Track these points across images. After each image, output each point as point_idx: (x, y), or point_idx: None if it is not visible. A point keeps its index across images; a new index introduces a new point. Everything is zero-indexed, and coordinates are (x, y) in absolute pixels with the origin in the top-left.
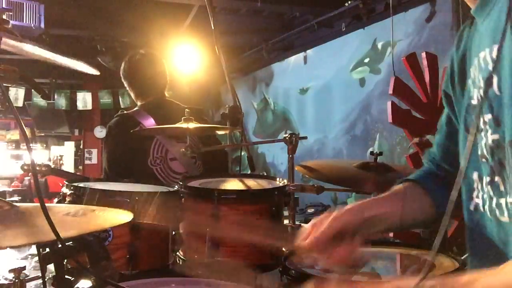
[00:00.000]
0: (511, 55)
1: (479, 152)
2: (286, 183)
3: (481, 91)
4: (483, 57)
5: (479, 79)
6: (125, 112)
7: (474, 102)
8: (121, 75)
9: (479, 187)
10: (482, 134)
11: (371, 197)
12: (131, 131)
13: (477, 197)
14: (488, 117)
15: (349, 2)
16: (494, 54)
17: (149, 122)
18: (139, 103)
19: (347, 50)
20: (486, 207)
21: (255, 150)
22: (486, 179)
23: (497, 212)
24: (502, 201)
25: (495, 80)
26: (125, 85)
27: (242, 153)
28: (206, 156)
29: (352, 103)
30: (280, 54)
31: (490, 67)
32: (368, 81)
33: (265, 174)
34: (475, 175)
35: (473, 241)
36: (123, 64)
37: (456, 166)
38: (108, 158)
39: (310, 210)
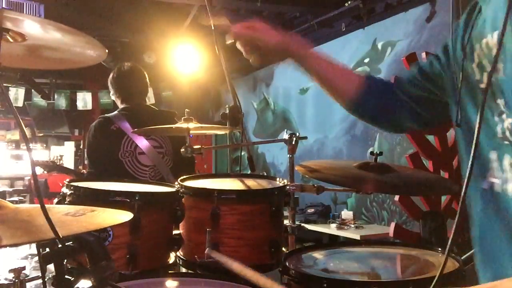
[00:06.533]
0: (510, 45)
1: (500, 135)
2: (286, 183)
3: (492, 75)
4: (485, 43)
5: (485, 64)
6: (106, 115)
7: (483, 85)
8: (109, 83)
9: (497, 167)
10: (504, 116)
11: (371, 197)
12: (133, 130)
13: (495, 176)
14: (501, 101)
15: (349, 2)
16: (495, 41)
17: (125, 125)
18: (119, 107)
19: (347, 50)
20: (506, 188)
21: (255, 150)
22: (510, 160)
23: None
24: None
25: (501, 65)
26: (111, 91)
27: (242, 153)
28: (175, 155)
29: None
30: None
31: (493, 52)
32: None
33: (265, 174)
34: (493, 155)
35: (483, 221)
36: (111, 74)
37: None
38: (87, 150)
39: (310, 210)
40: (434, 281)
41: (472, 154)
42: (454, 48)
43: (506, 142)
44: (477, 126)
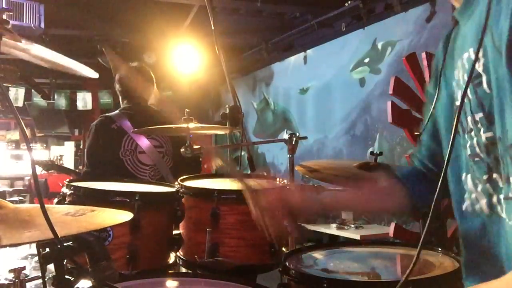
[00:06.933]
0: (492, 56)
1: (469, 152)
2: (286, 183)
3: (468, 91)
4: (466, 58)
5: (464, 80)
6: (107, 114)
7: (458, 103)
8: (115, 81)
9: (471, 187)
10: (472, 133)
11: None
12: (133, 129)
13: (470, 198)
14: (479, 115)
15: (349, 2)
16: (480, 54)
17: (126, 124)
18: (122, 106)
19: (347, 50)
20: (482, 205)
21: (255, 150)
22: (483, 177)
23: (498, 208)
24: (502, 197)
25: (483, 78)
26: (116, 89)
27: (242, 153)
28: (176, 155)
29: (352, 103)
30: (280, 54)
31: (477, 66)
32: (368, 81)
33: (265, 174)
34: (464, 177)
35: (468, 241)
36: (118, 72)
37: (441, 166)
38: (88, 149)
39: None
40: (407, 272)
41: (444, 166)
42: (436, 72)
43: (477, 159)
44: (450, 142)
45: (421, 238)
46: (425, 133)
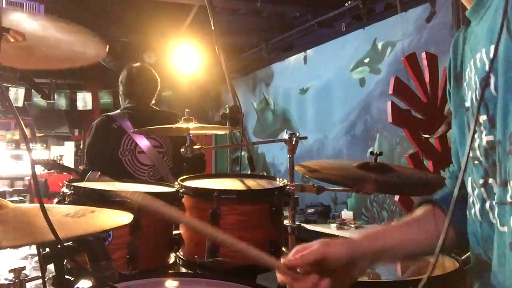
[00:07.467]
0: (506, 55)
1: (471, 154)
2: (286, 183)
3: (476, 92)
4: (479, 58)
5: (475, 81)
6: (108, 113)
7: (468, 104)
8: (119, 81)
9: (470, 191)
10: (476, 135)
11: (371, 197)
12: (132, 129)
13: (472, 202)
14: (483, 118)
15: (349, 2)
16: (491, 54)
17: (126, 124)
18: (124, 105)
19: (347, 50)
20: (476, 210)
21: (255, 150)
22: (479, 181)
23: (490, 215)
24: (494, 202)
25: (492, 80)
26: (120, 89)
27: (242, 153)
28: (176, 155)
29: (352, 103)
30: (280, 54)
31: (487, 67)
32: (368, 81)
33: (265, 174)
34: (466, 179)
35: (472, 244)
36: (122, 74)
37: None
38: (88, 147)
39: (310, 210)
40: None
41: (462, 168)
42: (454, 75)
43: (476, 162)
44: (467, 148)
45: (440, 241)
46: (454, 145)
